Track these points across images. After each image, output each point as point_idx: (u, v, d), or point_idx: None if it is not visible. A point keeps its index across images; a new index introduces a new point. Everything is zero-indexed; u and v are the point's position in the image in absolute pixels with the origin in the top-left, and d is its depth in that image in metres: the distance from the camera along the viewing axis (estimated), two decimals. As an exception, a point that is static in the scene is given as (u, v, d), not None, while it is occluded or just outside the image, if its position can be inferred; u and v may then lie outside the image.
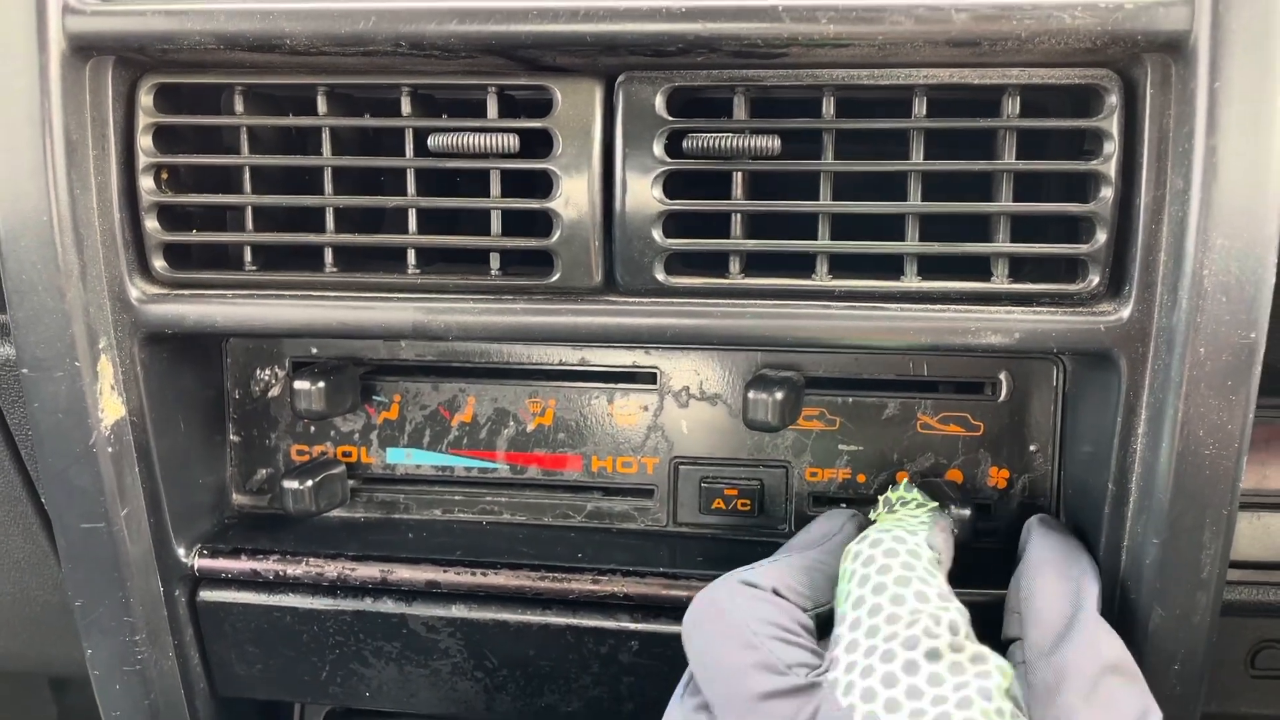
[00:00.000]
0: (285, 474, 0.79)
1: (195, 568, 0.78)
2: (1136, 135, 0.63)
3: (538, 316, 0.70)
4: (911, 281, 0.66)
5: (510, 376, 0.80)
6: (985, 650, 0.54)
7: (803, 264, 0.68)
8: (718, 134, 0.66)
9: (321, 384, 0.75)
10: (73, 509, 0.73)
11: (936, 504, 0.67)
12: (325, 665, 0.79)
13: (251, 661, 0.80)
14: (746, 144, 0.65)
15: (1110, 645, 0.58)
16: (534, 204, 0.68)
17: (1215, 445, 0.63)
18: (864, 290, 0.67)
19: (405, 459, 0.82)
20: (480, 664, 0.77)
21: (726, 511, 0.78)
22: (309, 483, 0.78)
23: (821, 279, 0.67)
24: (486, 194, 0.69)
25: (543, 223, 0.69)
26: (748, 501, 0.78)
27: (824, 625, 0.60)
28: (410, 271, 0.71)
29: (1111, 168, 0.63)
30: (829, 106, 0.66)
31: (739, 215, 0.67)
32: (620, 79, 0.67)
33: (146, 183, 0.70)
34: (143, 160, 0.70)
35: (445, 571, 0.75)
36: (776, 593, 0.60)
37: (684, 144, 0.66)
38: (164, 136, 0.71)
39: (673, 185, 0.67)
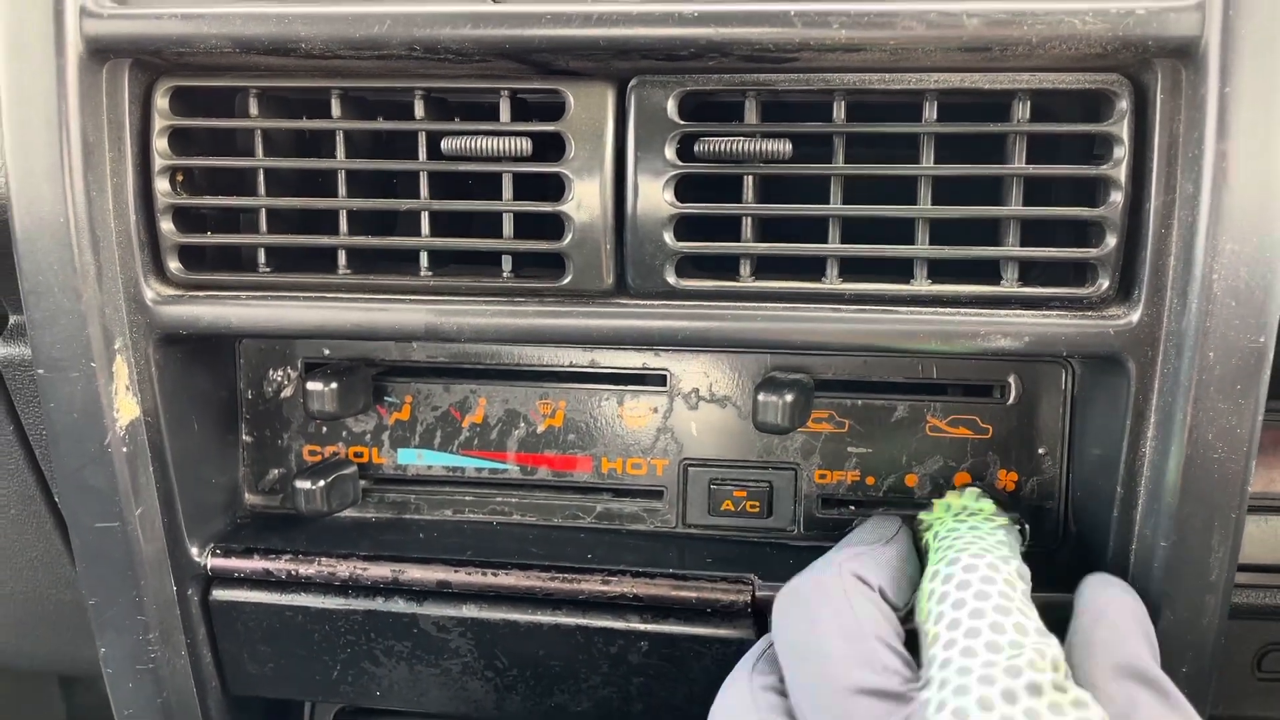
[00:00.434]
0: (297, 474, 0.79)
1: (208, 567, 0.78)
2: (1146, 140, 0.63)
3: (549, 319, 0.70)
4: (921, 285, 0.67)
5: (521, 378, 0.81)
6: (1088, 696, 0.51)
7: (813, 267, 0.68)
8: (729, 138, 0.66)
9: (334, 385, 0.76)
10: (87, 508, 0.74)
11: (1010, 519, 0.65)
12: (336, 664, 0.79)
13: (263, 660, 0.80)
14: (758, 148, 0.66)
15: None
16: (546, 207, 0.69)
17: (1224, 449, 0.63)
18: (874, 294, 0.67)
19: (416, 459, 0.83)
20: (491, 664, 0.77)
21: (735, 513, 0.79)
22: (321, 483, 0.78)
23: (832, 282, 0.67)
24: (499, 197, 0.70)
25: (554, 225, 0.69)
26: (757, 503, 0.78)
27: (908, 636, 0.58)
28: (423, 274, 0.71)
29: (1121, 172, 0.64)
30: (840, 110, 0.66)
31: (749, 219, 0.68)
32: (632, 83, 0.67)
33: (162, 185, 0.71)
34: (158, 162, 0.71)
35: (456, 572, 0.76)
36: (882, 592, 0.58)
37: (695, 148, 0.67)
38: (179, 139, 0.71)
39: (684, 188, 0.68)
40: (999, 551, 0.59)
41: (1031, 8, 0.60)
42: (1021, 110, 0.65)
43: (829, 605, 0.57)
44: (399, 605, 0.77)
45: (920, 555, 0.65)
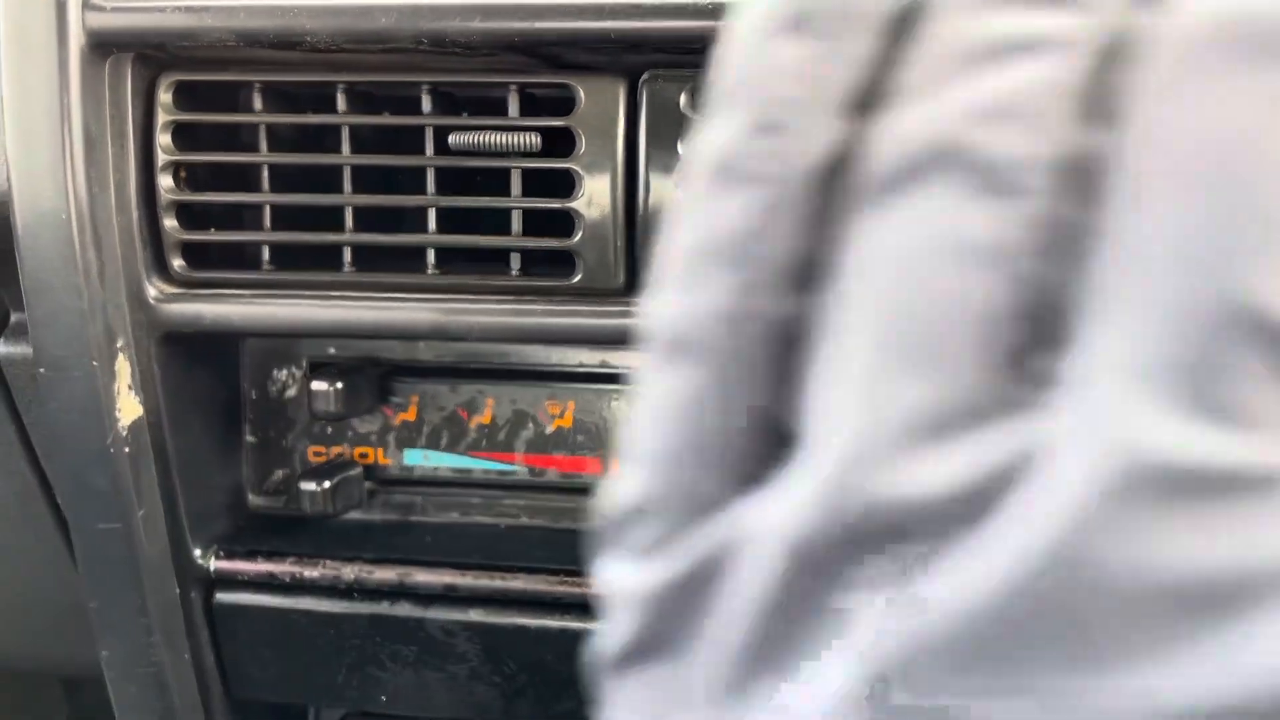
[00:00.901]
0: (302, 475, 0.78)
1: (211, 569, 0.77)
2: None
3: (559, 318, 0.69)
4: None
5: (529, 378, 0.80)
6: None
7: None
8: (743, 133, 0.65)
9: (339, 385, 0.75)
10: (89, 509, 0.73)
11: None
12: (342, 668, 0.78)
13: (267, 664, 0.79)
14: (772, 143, 0.64)
15: None
16: (556, 204, 0.67)
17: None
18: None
19: (423, 461, 0.81)
20: (498, 668, 0.76)
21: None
22: (326, 484, 0.77)
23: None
24: (507, 193, 0.68)
25: (564, 223, 0.68)
26: (770, 506, 0.77)
27: None
28: (430, 271, 0.70)
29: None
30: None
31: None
32: (644, 76, 0.66)
33: (165, 181, 0.70)
34: (161, 158, 0.70)
35: (463, 575, 0.75)
36: None
37: (708, 143, 0.65)
38: (183, 134, 0.70)
39: (697, 185, 0.67)
40: None
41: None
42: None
43: None
44: (405, 609, 0.76)
45: None
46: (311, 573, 0.76)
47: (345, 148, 0.70)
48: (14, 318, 0.85)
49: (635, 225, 0.67)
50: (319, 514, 0.77)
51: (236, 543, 0.78)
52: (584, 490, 0.80)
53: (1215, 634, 0.15)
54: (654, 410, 0.21)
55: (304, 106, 0.73)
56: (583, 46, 0.64)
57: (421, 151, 0.69)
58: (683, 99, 0.65)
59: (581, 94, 0.66)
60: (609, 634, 0.22)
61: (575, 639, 0.74)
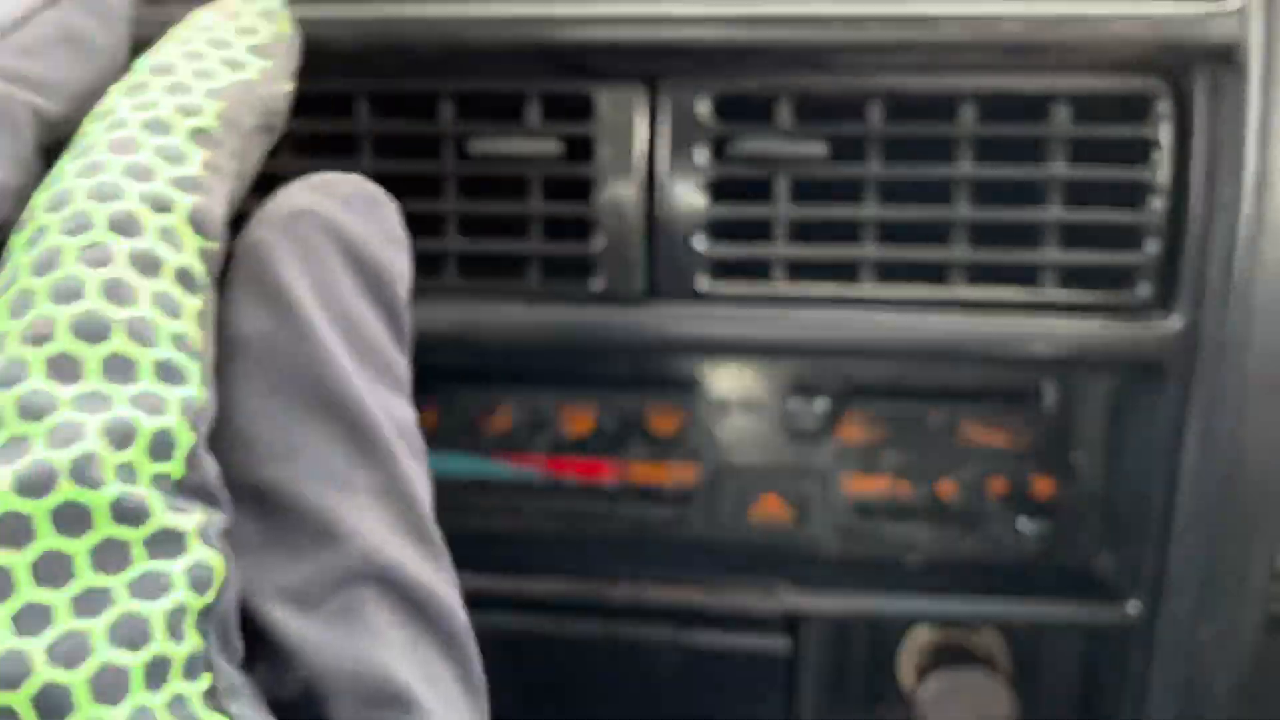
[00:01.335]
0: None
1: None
2: (1187, 144, 0.63)
3: (578, 324, 0.69)
4: (958, 289, 0.66)
5: (548, 383, 0.80)
6: None
7: (848, 271, 0.67)
8: (763, 139, 0.65)
9: (358, 390, 0.75)
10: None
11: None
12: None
13: (285, 668, 0.79)
14: (792, 150, 0.65)
15: None
16: (576, 209, 0.68)
17: (1264, 459, 0.63)
18: (910, 298, 0.66)
19: (440, 465, 0.82)
20: (517, 673, 0.76)
21: (766, 521, 0.78)
22: (344, 489, 0.77)
23: (866, 286, 0.67)
24: (526, 199, 0.69)
25: (584, 229, 0.68)
26: (788, 511, 0.77)
27: None
28: (449, 277, 0.70)
29: (1163, 177, 0.63)
30: (876, 113, 0.65)
31: (783, 222, 0.67)
32: (664, 83, 0.66)
33: (187, 187, 0.70)
34: (183, 165, 0.70)
35: (481, 579, 0.75)
36: None
37: (726, 149, 0.66)
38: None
39: (715, 191, 0.67)
40: None
41: (1072, 11, 0.60)
42: (1061, 113, 0.64)
43: None
44: (423, 613, 0.76)
45: None
46: (330, 577, 0.76)
47: (365, 154, 0.70)
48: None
49: (655, 231, 0.68)
50: (337, 518, 0.78)
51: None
52: (602, 494, 0.81)
53: None
54: None
55: (323, 113, 0.73)
56: (603, 55, 0.64)
57: (441, 158, 0.69)
58: (701, 106, 0.66)
59: (601, 100, 0.67)
60: None
61: (594, 643, 0.74)
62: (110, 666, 0.21)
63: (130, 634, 0.21)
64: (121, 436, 0.23)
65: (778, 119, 0.66)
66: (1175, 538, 0.66)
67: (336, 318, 0.30)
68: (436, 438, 0.81)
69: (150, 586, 0.22)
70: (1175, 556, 0.67)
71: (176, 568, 0.23)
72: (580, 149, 0.68)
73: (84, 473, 0.22)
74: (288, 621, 0.26)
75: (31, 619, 0.21)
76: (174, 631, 0.22)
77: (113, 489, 0.22)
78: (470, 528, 0.82)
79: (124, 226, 0.26)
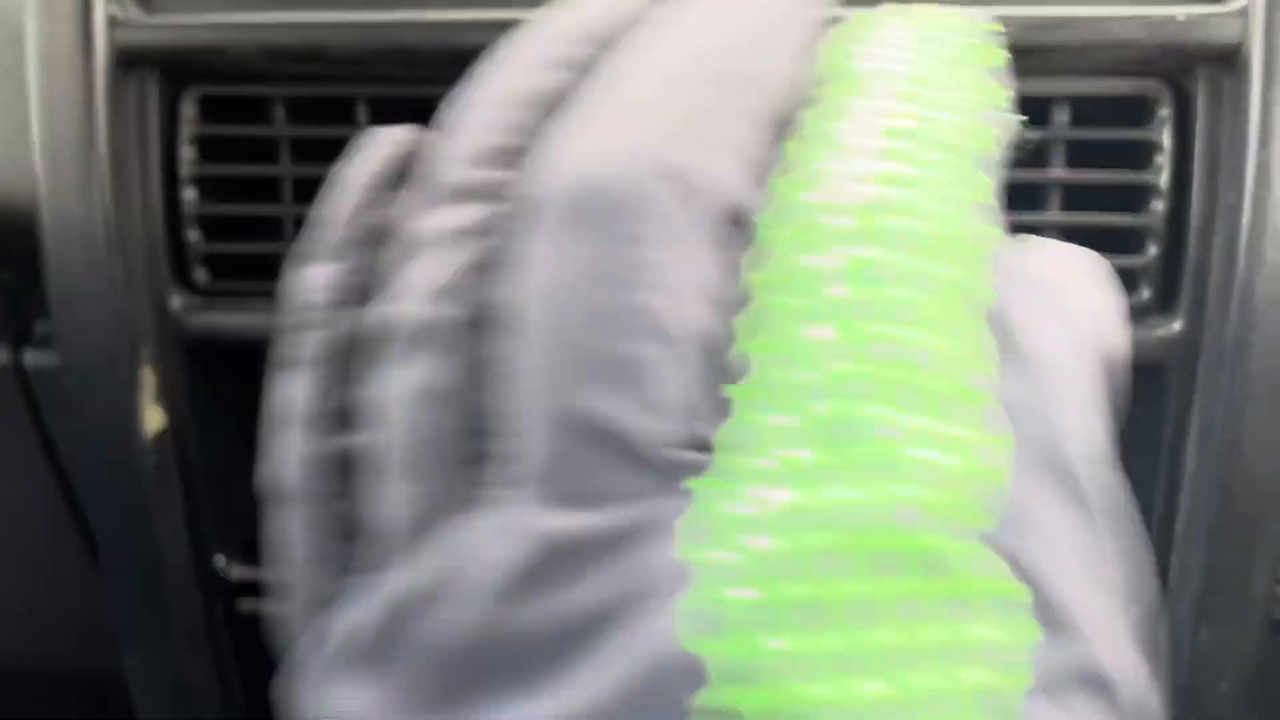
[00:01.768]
0: (323, 484, 0.79)
1: (235, 577, 0.78)
2: (1188, 147, 0.63)
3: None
4: (957, 294, 0.66)
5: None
6: None
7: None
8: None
9: (360, 394, 0.75)
10: (113, 519, 0.74)
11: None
12: (362, 675, 0.79)
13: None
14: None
15: None
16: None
17: (1266, 463, 0.62)
18: (909, 303, 0.66)
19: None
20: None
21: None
22: (347, 493, 0.78)
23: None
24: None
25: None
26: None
27: None
28: (451, 282, 0.71)
29: (1163, 180, 0.63)
30: (874, 118, 0.65)
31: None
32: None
33: (188, 193, 0.71)
34: (185, 171, 0.71)
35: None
36: None
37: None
38: (206, 147, 0.71)
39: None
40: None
41: (1072, 14, 0.60)
42: (1061, 115, 0.64)
43: None
44: (426, 616, 0.76)
45: None
46: (333, 580, 0.77)
47: (367, 160, 0.70)
48: (39, 328, 0.86)
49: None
50: (340, 522, 0.78)
51: (259, 550, 0.79)
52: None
53: (585, 655, 0.21)
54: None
55: (326, 119, 0.74)
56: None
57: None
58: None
59: (601, 107, 0.67)
60: (335, 624, 0.26)
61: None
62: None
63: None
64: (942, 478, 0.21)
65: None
66: (1176, 541, 0.66)
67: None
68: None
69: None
70: (1176, 560, 0.67)
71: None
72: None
73: (911, 517, 0.21)
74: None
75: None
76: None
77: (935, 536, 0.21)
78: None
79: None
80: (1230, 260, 0.61)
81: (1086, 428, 0.27)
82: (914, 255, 0.23)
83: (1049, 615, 0.23)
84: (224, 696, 0.80)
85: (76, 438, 0.72)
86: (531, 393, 0.23)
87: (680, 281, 0.22)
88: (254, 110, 0.73)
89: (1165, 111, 0.62)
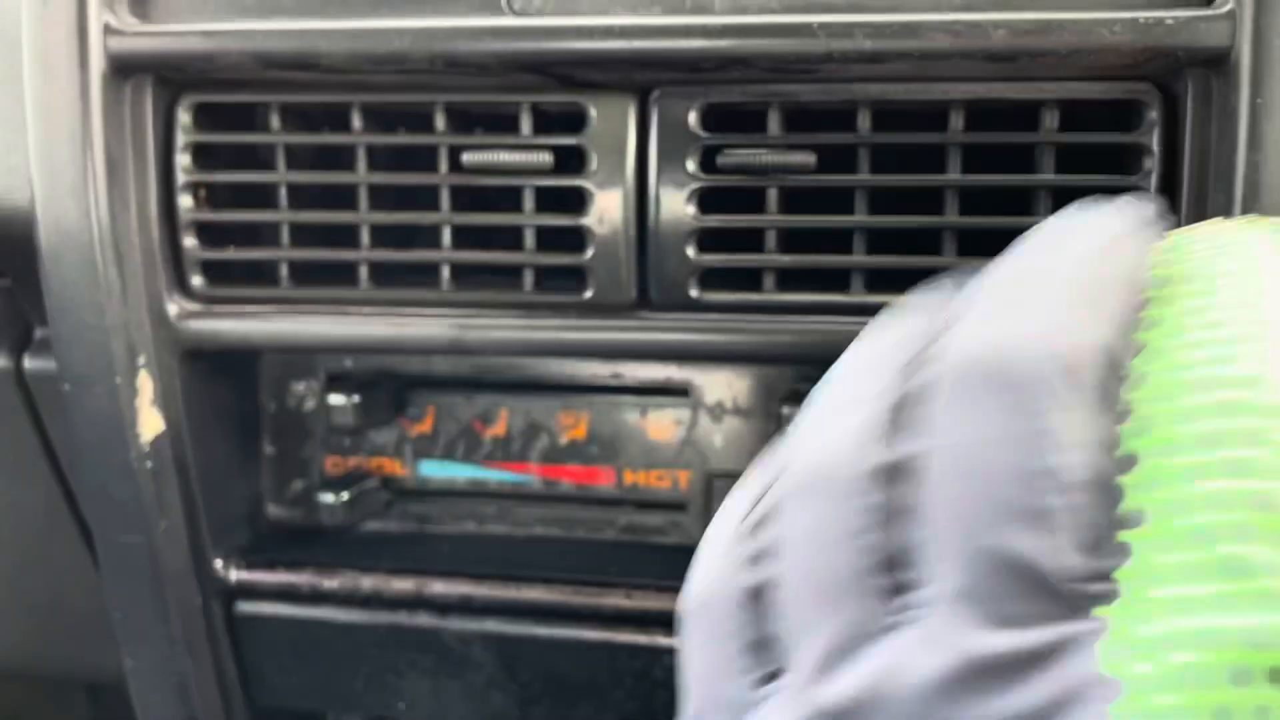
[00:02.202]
0: (320, 487, 0.80)
1: (232, 579, 0.78)
2: (1177, 150, 0.63)
3: (571, 332, 0.70)
4: (948, 297, 0.66)
5: (543, 390, 0.81)
6: None
7: (838, 279, 0.67)
8: (752, 150, 0.66)
9: (356, 398, 0.76)
10: (113, 522, 0.74)
11: None
12: (360, 677, 0.79)
13: (288, 672, 0.80)
14: (781, 160, 0.65)
15: None
16: (568, 220, 0.68)
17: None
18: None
19: (439, 471, 0.83)
20: (513, 677, 0.77)
21: (760, 526, 0.78)
22: (344, 495, 0.78)
23: (857, 294, 0.67)
24: (519, 210, 0.69)
25: (576, 238, 0.69)
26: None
27: None
28: (444, 287, 0.71)
29: (1152, 183, 0.63)
30: (864, 121, 0.65)
31: (773, 231, 0.67)
32: (654, 95, 0.67)
33: (185, 200, 0.71)
34: (181, 178, 0.71)
35: (479, 586, 0.76)
36: None
37: (718, 159, 0.66)
38: (202, 154, 0.72)
39: (706, 201, 0.67)
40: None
41: (1059, 18, 0.60)
42: (1050, 120, 0.64)
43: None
44: (422, 619, 0.77)
45: None
46: (330, 583, 0.77)
47: (361, 166, 0.71)
48: (39, 333, 0.86)
49: (645, 241, 0.68)
50: (337, 525, 0.79)
51: (256, 553, 0.80)
52: (597, 500, 0.81)
53: None
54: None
55: (320, 126, 0.74)
56: (593, 66, 0.64)
57: (436, 169, 0.70)
58: (691, 116, 0.66)
59: (592, 112, 0.67)
60: None
61: (590, 648, 0.75)
62: None
63: None
64: None
65: (767, 129, 0.66)
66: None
67: None
68: (434, 445, 0.82)
69: None
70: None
71: None
72: (572, 160, 0.69)
73: None
74: None
75: None
76: None
77: None
78: (467, 532, 0.83)
79: None
80: (1220, 263, 0.61)
81: None
82: (1271, 421, 0.28)
83: None
84: (223, 697, 0.81)
85: (76, 442, 0.73)
86: (950, 531, 0.28)
87: (1074, 442, 0.28)
88: (249, 117, 0.74)
89: (1154, 115, 0.63)
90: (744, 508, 0.35)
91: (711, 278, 0.69)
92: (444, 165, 0.70)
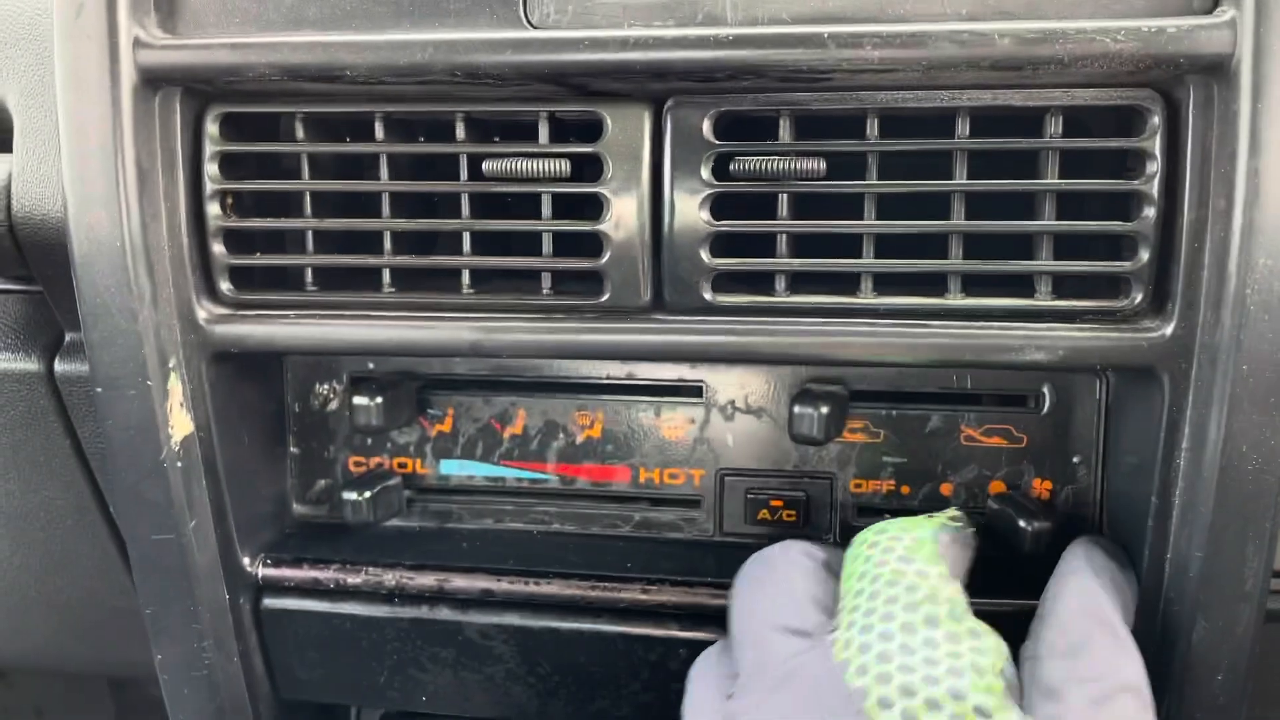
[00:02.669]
0: (344, 485, 0.82)
1: (259, 576, 0.81)
2: (1179, 155, 0.64)
3: (588, 335, 0.72)
4: (955, 299, 0.68)
5: (560, 390, 0.83)
6: (984, 627, 0.56)
7: (847, 282, 0.69)
8: (764, 157, 0.67)
9: (379, 399, 0.78)
10: (143, 521, 0.76)
11: (951, 513, 0.66)
12: (383, 670, 0.81)
13: (313, 666, 0.83)
14: (792, 166, 0.67)
15: (1132, 665, 0.57)
16: (585, 226, 0.70)
17: (1258, 461, 0.64)
18: (908, 308, 0.68)
19: (459, 470, 0.85)
20: (533, 670, 0.79)
21: (772, 522, 0.80)
22: (367, 494, 0.80)
23: (866, 297, 0.69)
24: (538, 216, 0.71)
25: (592, 243, 0.71)
26: (793, 512, 0.80)
27: None
28: (465, 291, 0.73)
29: (1154, 187, 0.64)
30: (873, 128, 0.67)
31: (785, 235, 0.69)
32: (668, 104, 0.69)
33: (213, 208, 0.73)
34: (209, 187, 0.73)
35: (499, 581, 0.78)
36: (829, 566, 0.65)
37: (731, 166, 0.68)
38: (229, 163, 0.74)
39: (719, 206, 0.69)
40: (916, 520, 0.64)
41: (1063, 26, 0.61)
42: (1054, 126, 0.66)
43: (772, 572, 0.64)
44: (444, 613, 0.79)
45: None
46: (354, 579, 0.79)
47: (384, 174, 0.73)
48: (69, 337, 0.89)
49: (660, 246, 0.70)
50: (360, 522, 0.81)
51: (282, 550, 0.82)
52: (613, 497, 0.83)
53: None
54: None
55: (344, 135, 0.76)
56: (609, 77, 0.66)
57: (456, 177, 0.72)
58: (705, 124, 0.68)
59: (609, 121, 0.69)
60: None
61: (607, 641, 0.77)
62: None
63: None
64: None
65: (778, 136, 0.68)
66: (1172, 538, 0.68)
67: None
68: (454, 444, 0.84)
69: None
70: (1171, 557, 0.68)
71: None
72: (589, 168, 0.71)
73: None
74: None
75: None
76: None
77: None
78: (486, 529, 0.85)
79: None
80: (1221, 265, 0.62)
81: None
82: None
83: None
84: (250, 690, 0.83)
85: (107, 443, 0.75)
86: None
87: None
88: (274, 128, 0.76)
89: (1157, 120, 0.64)
90: None
91: (724, 281, 0.70)
92: (464, 173, 0.72)
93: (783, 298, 0.69)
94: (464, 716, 0.84)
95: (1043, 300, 0.67)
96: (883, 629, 0.54)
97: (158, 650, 0.80)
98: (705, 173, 0.68)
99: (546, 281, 0.72)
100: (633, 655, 0.77)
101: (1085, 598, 0.61)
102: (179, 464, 0.74)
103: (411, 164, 0.76)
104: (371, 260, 0.74)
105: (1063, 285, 0.69)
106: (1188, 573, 0.67)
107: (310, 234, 0.74)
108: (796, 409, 0.72)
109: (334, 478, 0.86)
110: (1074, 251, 0.67)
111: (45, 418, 0.89)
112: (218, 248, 0.74)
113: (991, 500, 0.77)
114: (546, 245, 0.72)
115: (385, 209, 0.73)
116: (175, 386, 0.74)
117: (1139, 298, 0.66)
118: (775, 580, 0.63)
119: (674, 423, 0.81)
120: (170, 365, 0.73)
